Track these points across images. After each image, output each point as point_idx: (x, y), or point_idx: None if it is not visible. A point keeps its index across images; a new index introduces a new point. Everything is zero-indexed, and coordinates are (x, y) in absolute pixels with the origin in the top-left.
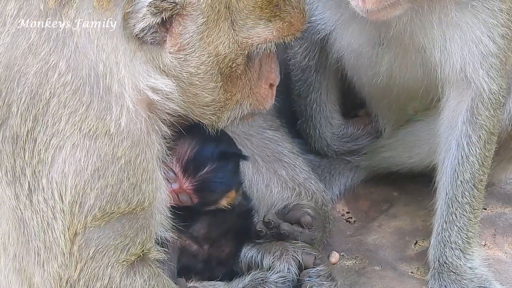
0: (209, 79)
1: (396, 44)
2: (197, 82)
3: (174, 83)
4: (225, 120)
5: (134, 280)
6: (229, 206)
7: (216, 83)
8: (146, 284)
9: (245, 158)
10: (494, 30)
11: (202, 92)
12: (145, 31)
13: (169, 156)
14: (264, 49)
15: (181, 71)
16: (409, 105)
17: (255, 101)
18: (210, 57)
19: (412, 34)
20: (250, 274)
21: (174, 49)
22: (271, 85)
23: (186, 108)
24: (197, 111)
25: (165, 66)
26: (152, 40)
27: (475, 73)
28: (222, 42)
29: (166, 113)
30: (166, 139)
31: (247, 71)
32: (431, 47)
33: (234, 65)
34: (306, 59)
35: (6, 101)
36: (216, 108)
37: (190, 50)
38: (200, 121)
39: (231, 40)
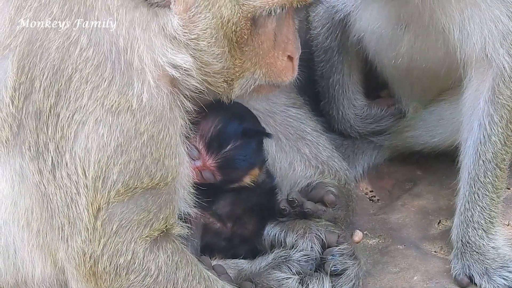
0: (215, 44)
1: (416, 25)
2: (205, 48)
3: (191, 57)
4: (238, 88)
5: (157, 255)
6: (252, 184)
7: (223, 48)
8: (169, 260)
9: (268, 135)
10: None
11: (212, 59)
12: None
13: (192, 131)
14: (270, 14)
15: (188, 34)
16: (431, 86)
17: (271, 72)
18: (215, 19)
19: (432, 14)
20: (273, 252)
21: (179, 9)
22: (289, 58)
23: (204, 82)
24: (211, 80)
25: (174, 30)
26: (158, 1)
27: (495, 52)
28: (225, 4)
29: (188, 89)
30: (189, 114)
31: (255, 38)
32: (450, 27)
33: (238, 29)
34: (328, 40)
35: (29, 76)
36: (227, 75)
37: (196, 10)
38: (216, 92)
39: (233, 2)
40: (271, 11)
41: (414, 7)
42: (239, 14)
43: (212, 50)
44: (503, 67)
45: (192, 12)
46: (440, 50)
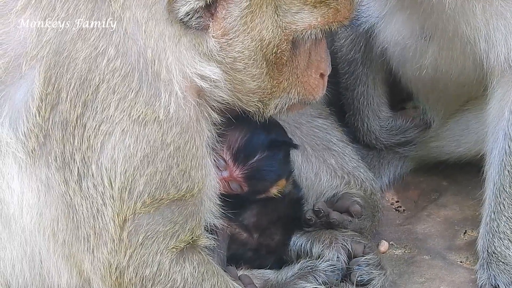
0: (253, 64)
1: (440, 36)
2: (242, 68)
3: (220, 70)
4: (272, 108)
5: (184, 267)
6: (279, 195)
7: (261, 69)
8: (195, 271)
9: (295, 146)
10: None
11: (247, 79)
12: (190, 15)
13: (219, 142)
14: (310, 36)
15: (225, 56)
16: (457, 96)
17: (304, 90)
18: (254, 41)
19: (456, 25)
20: (300, 262)
21: (217, 34)
22: (321, 75)
23: (233, 96)
24: (244, 98)
25: (209, 51)
26: (197, 25)
27: None
28: (266, 27)
29: (215, 100)
30: (216, 125)
31: (293, 58)
32: (476, 37)
33: (279, 51)
34: (352, 52)
35: (55, 87)
36: (263, 95)
37: (234, 34)
38: (247, 110)
39: (275, 25)
40: (312, 33)
41: (438, 18)
42: (281, 37)
43: (249, 71)
44: None
45: (230, 36)
46: (466, 60)
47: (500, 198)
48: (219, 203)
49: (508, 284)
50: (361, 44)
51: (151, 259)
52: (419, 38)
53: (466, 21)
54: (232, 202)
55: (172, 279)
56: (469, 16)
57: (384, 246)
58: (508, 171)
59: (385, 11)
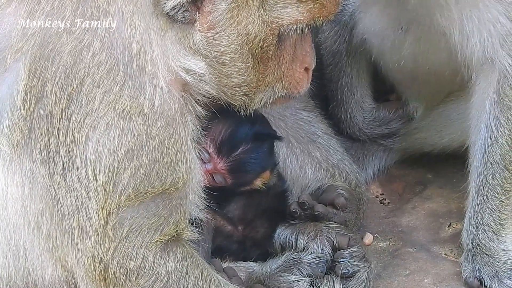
0: (239, 59)
1: (416, 28)
2: (228, 62)
3: (206, 64)
4: (257, 102)
5: (168, 260)
6: (263, 187)
7: (247, 63)
8: (179, 264)
9: (279, 139)
10: (511, 9)
11: (233, 72)
12: (176, 9)
13: (203, 136)
14: (296, 30)
15: (211, 50)
16: (438, 88)
17: (289, 84)
18: (240, 36)
19: (431, 16)
20: (284, 255)
21: (204, 28)
22: (306, 69)
23: (218, 90)
24: (229, 92)
25: (195, 45)
26: (183, 19)
27: (496, 54)
28: (252, 21)
29: (200, 94)
30: (200, 119)
31: (279, 52)
32: (450, 29)
33: (264, 45)
34: (337, 44)
35: (40, 80)
36: (248, 90)
37: (220, 29)
38: (232, 104)
39: (261, 19)
40: (297, 28)
41: (413, 10)
42: (267, 31)
43: (235, 65)
44: (506, 70)
45: (216, 30)
46: (443, 52)
47: (483, 190)
48: (204, 196)
49: (492, 276)
50: (345, 35)
51: (135, 252)
52: (396, 29)
53: (440, 12)
54: (216, 195)
55: (156, 272)
56: (443, 7)
57: (368, 238)
58: (491, 163)
59: (364, 2)
